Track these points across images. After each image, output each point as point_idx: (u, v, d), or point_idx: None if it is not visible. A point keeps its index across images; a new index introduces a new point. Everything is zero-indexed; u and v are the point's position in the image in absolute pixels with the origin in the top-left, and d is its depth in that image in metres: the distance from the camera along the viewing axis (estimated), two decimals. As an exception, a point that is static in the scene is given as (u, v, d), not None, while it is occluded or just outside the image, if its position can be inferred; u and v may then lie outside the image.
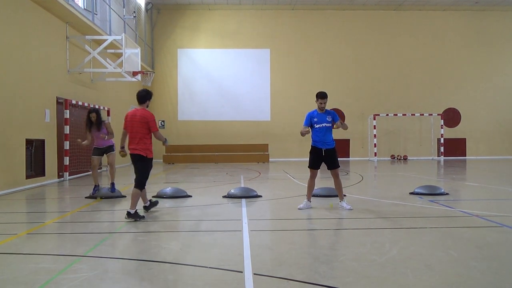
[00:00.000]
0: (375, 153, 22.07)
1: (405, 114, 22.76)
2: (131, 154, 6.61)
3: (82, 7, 15.05)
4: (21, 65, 10.70)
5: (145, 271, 4.03)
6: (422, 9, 23.50)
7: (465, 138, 23.91)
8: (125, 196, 8.82)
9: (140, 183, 6.56)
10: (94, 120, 8.75)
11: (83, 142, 8.88)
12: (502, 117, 23.88)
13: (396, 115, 22.73)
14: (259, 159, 21.65)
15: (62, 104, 12.87)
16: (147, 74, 16.80)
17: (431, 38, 23.76)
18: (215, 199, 8.46)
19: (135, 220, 6.32)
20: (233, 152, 21.92)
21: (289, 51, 23.38)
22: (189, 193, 8.97)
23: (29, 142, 11.06)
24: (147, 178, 6.72)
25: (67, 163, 12.76)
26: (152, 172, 6.86)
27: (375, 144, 22.11)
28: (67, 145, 12.72)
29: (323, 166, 7.27)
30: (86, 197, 8.80)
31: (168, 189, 8.87)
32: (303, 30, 23.43)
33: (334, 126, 7.11)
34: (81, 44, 14.21)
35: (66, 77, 13.30)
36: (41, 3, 11.51)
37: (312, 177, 7.29)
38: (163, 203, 7.84)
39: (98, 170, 9.49)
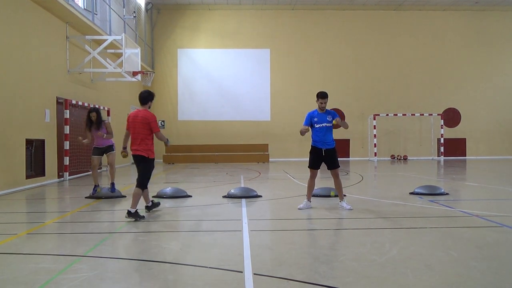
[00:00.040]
0: (375, 153, 22.07)
1: (405, 114, 22.76)
2: (133, 155, 6.69)
3: (82, 7, 15.05)
4: (21, 65, 10.70)
5: (145, 271, 4.03)
6: (422, 9, 23.50)
7: (465, 138, 23.91)
8: (125, 196, 8.83)
9: (142, 183, 6.62)
10: (94, 119, 8.78)
11: (84, 141, 8.91)
12: (502, 117, 23.88)
13: (396, 115, 22.73)
14: (259, 159, 21.65)
15: (62, 104, 12.87)
16: (147, 74, 16.80)
17: (431, 38, 23.76)
18: (215, 199, 8.46)
19: (135, 220, 6.33)
20: (233, 152, 21.92)
21: (289, 51, 23.38)
22: (189, 193, 8.97)
23: (29, 142, 11.06)
24: (149, 178, 6.77)
25: (67, 163, 12.76)
26: (152, 172, 6.89)
27: (375, 144, 22.11)
28: (67, 145, 12.72)
29: (323, 166, 7.28)
30: (86, 197, 8.80)
31: (168, 189, 8.88)
32: (303, 30, 23.43)
33: (334, 121, 7.08)
34: (81, 44, 14.21)
35: (66, 77, 13.30)
36: (41, 3, 11.51)
37: (312, 177, 7.29)
38: (163, 203, 7.84)
39: (98, 170, 9.49)
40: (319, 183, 10.22)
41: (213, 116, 23.20)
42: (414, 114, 22.77)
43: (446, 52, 23.78)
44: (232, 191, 8.78)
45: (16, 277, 3.84)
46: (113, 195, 8.72)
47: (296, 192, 9.40)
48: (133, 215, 6.33)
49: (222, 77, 23.25)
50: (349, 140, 23.27)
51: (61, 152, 12.76)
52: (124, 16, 17.93)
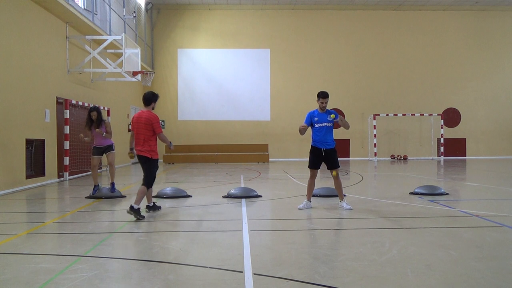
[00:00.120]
0: (375, 153, 22.07)
1: (405, 114, 22.76)
2: (137, 156, 6.82)
3: (82, 7, 15.05)
4: (21, 65, 10.70)
5: (145, 271, 4.03)
6: (422, 9, 23.50)
7: (465, 138, 23.91)
8: (125, 196, 8.84)
9: (148, 182, 6.77)
10: (94, 118, 8.81)
11: (85, 138, 8.95)
12: (502, 117, 23.89)
13: (396, 115, 22.73)
14: (259, 159, 21.65)
15: (62, 104, 12.87)
16: (147, 74, 16.80)
17: (431, 38, 23.76)
18: (215, 199, 8.47)
19: (136, 218, 6.35)
20: (233, 152, 21.93)
21: (289, 51, 23.38)
22: (189, 193, 8.98)
23: (29, 142, 11.06)
24: (154, 178, 6.91)
25: (67, 163, 12.76)
26: (156, 172, 6.97)
27: (375, 144, 22.11)
28: (67, 145, 12.72)
29: (323, 166, 7.28)
30: (86, 197, 8.81)
31: (168, 189, 8.88)
32: (303, 30, 23.42)
33: (332, 116, 6.99)
34: (81, 44, 14.21)
35: (66, 77, 13.30)
36: (41, 3, 11.51)
37: (312, 177, 7.29)
38: (163, 203, 7.85)
39: (98, 170, 9.50)
40: (319, 183, 10.23)
41: (213, 116, 23.20)
42: (414, 114, 22.77)
43: (446, 52, 23.79)
44: (232, 191, 8.78)
45: (16, 277, 3.85)
46: (113, 195, 8.72)
47: (296, 192, 9.40)
48: (135, 212, 6.36)
49: (222, 77, 23.25)
50: (349, 140, 23.27)
51: (61, 152, 12.76)
52: (124, 16, 17.93)
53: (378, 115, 22.40)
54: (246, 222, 6.13)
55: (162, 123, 22.71)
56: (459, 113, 23.83)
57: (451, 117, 23.70)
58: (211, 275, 3.87)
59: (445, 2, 22.68)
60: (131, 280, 3.79)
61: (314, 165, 7.23)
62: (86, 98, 14.60)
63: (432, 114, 22.86)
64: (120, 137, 18.02)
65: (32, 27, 11.29)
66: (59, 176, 12.70)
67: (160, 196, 8.55)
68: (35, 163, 11.47)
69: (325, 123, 7.10)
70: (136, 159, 7.49)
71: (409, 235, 5.33)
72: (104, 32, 15.30)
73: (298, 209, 7.15)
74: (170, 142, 7.17)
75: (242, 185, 10.67)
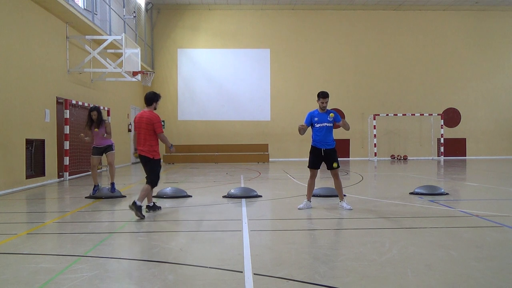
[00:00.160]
0: (375, 153, 22.07)
1: (405, 114, 22.76)
2: (138, 155, 6.89)
3: (82, 7, 15.05)
4: (21, 65, 10.70)
5: (145, 271, 4.03)
6: (422, 9, 23.50)
7: (465, 138, 23.91)
8: (125, 196, 8.84)
9: (152, 182, 6.86)
10: (95, 118, 8.81)
11: (85, 138, 8.96)
12: (502, 117, 23.88)
13: (396, 115, 22.73)
14: (259, 159, 21.65)
15: (62, 104, 12.87)
16: (147, 74, 16.81)
17: (431, 38, 23.76)
18: (215, 199, 8.47)
19: (136, 215, 6.39)
20: (233, 152, 21.93)
21: (289, 51, 23.38)
22: (189, 193, 8.98)
23: (29, 142, 11.06)
24: (158, 177, 6.99)
25: (67, 163, 12.76)
26: (160, 171, 7.03)
27: (375, 144, 22.11)
28: (67, 145, 12.72)
29: (323, 166, 7.28)
30: (86, 197, 8.81)
31: (168, 189, 8.88)
32: (303, 30, 23.42)
33: (331, 115, 7.02)
34: (81, 44, 14.21)
35: (66, 77, 13.30)
36: (41, 3, 11.51)
37: (312, 177, 7.29)
38: (163, 203, 7.85)
39: (98, 170, 9.50)
40: (319, 183, 10.23)
41: (213, 116, 23.20)
42: (414, 114, 22.76)
43: (446, 52, 23.78)
44: (232, 191, 8.78)
45: (16, 277, 3.85)
46: (113, 195, 8.73)
47: (296, 192, 9.40)
48: (137, 208, 6.39)
49: (222, 77, 23.25)
50: (349, 140, 23.27)
51: (61, 152, 12.76)
52: (124, 16, 17.93)
53: (378, 115, 22.40)
54: (246, 222, 6.13)
55: (162, 123, 22.69)
56: (459, 113, 23.83)
57: (451, 117, 23.70)
58: (211, 275, 3.87)
59: (445, 2, 22.68)
60: (131, 280, 3.80)
61: (314, 165, 7.23)
62: (86, 98, 14.60)
63: (432, 114, 22.86)
64: (120, 137, 18.03)
65: (32, 27, 11.29)
66: (59, 176, 12.70)
67: (160, 196, 8.55)
68: (35, 163, 11.47)
69: (325, 123, 7.10)
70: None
71: (409, 235, 5.33)
72: (104, 32, 15.30)
73: (298, 209, 7.15)
74: (171, 145, 7.20)
75: (242, 185, 10.67)
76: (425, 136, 23.62)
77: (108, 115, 16.10)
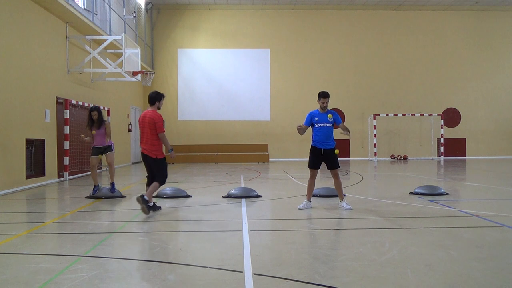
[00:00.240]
0: (375, 153, 22.07)
1: (405, 114, 22.76)
2: (141, 153, 7.07)
3: (82, 7, 15.05)
4: (21, 65, 10.70)
5: (145, 271, 4.03)
6: (422, 9, 23.50)
7: (465, 138, 23.91)
8: (125, 196, 8.85)
9: (160, 180, 7.01)
10: (95, 118, 8.81)
11: (86, 138, 8.96)
12: (502, 117, 23.88)
13: (396, 115, 22.73)
14: (259, 159, 21.65)
15: (62, 104, 12.87)
16: (147, 74, 16.81)
17: (431, 38, 23.76)
18: (215, 199, 8.47)
19: (142, 209, 6.49)
20: (233, 152, 21.93)
21: (289, 51, 23.38)
22: (189, 193, 8.98)
23: (29, 142, 11.06)
24: (166, 175, 7.16)
25: (67, 163, 12.76)
26: (167, 169, 7.22)
27: (375, 144, 22.11)
28: (67, 145, 12.72)
29: (323, 166, 7.28)
30: (86, 197, 8.81)
31: (168, 189, 8.88)
32: (303, 30, 23.42)
33: (330, 115, 7.06)
34: (81, 44, 14.21)
35: (66, 77, 13.30)
36: (41, 3, 11.51)
37: (312, 177, 7.29)
38: (163, 203, 7.85)
39: (98, 170, 9.50)
40: (319, 183, 10.23)
41: (213, 116, 23.20)
42: (414, 114, 22.76)
43: (446, 52, 23.78)
44: (232, 191, 8.78)
45: (16, 277, 3.84)
46: (113, 195, 8.73)
47: (296, 192, 9.40)
48: (144, 202, 6.48)
49: (222, 77, 23.24)
50: (349, 140, 23.24)
51: (61, 152, 12.76)
52: (124, 16, 17.93)
53: (378, 115, 22.40)
54: (246, 222, 6.13)
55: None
56: (459, 113, 23.83)
57: (451, 117, 23.70)
58: (211, 275, 3.87)
59: (445, 2, 22.68)
60: (131, 280, 3.79)
61: (314, 165, 7.23)
62: (86, 98, 14.60)
63: (432, 114, 22.86)
64: (120, 137, 18.03)
65: (32, 27, 11.29)
66: (59, 176, 12.70)
67: (160, 196, 8.56)
68: (35, 163, 11.47)
69: (326, 123, 7.10)
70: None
71: (409, 235, 5.33)
72: (104, 32, 15.30)
73: (298, 209, 7.15)
74: (171, 149, 7.21)
75: (242, 185, 10.67)
76: (425, 136, 23.62)
77: (108, 115, 16.10)
